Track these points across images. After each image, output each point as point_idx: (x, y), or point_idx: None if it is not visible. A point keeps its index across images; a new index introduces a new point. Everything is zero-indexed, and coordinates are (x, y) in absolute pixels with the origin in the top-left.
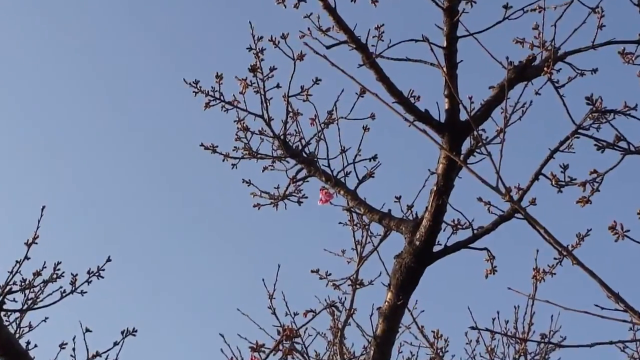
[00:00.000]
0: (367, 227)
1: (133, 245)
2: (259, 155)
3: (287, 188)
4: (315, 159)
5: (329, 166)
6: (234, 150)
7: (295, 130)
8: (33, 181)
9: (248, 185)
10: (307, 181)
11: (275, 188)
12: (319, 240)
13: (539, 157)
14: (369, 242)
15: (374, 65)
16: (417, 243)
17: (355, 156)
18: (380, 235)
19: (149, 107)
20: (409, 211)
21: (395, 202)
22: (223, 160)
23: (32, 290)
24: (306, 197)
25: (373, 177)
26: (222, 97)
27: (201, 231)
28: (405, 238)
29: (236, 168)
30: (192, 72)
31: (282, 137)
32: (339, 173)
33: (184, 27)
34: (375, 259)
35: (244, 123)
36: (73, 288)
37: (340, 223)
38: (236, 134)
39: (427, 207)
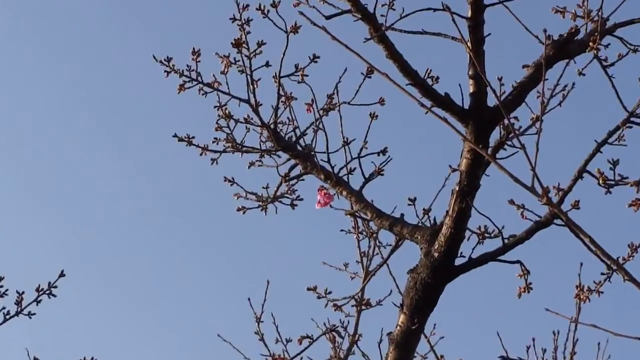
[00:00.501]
0: (375, 235)
1: (91, 257)
2: (244, 149)
3: (278, 188)
4: (313, 153)
5: (329, 162)
6: (214, 142)
7: (288, 118)
8: None
9: (231, 185)
10: (303, 179)
11: (263, 188)
12: (317, 251)
13: (583, 151)
14: (377, 254)
15: (384, 39)
16: (436, 255)
17: (361, 149)
18: (390, 245)
19: (109, 90)
20: (426, 216)
21: (409, 205)
22: (201, 154)
23: None
24: (301, 199)
25: (382, 174)
26: (199, 78)
27: (174, 239)
28: (422, 249)
29: (217, 164)
30: (163, 48)
31: (272, 126)
32: (341, 170)
33: None
34: (384, 274)
35: (226, 109)
36: (19, 309)
37: (342, 231)
38: (217, 123)
39: (447, 212)
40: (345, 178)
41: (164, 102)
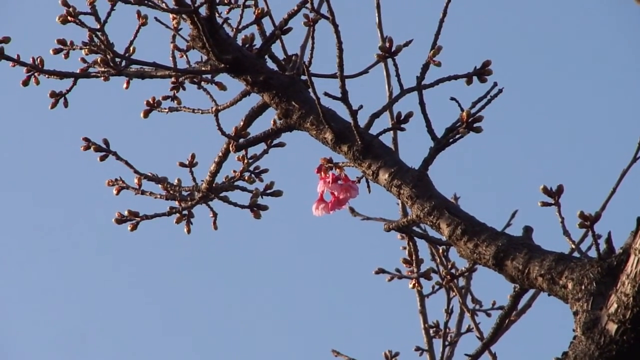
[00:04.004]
0: (459, 281)
1: None
2: (133, 68)
3: (218, 165)
4: (305, 78)
5: (344, 99)
6: (58, 51)
7: None
8: None
9: (103, 158)
10: (280, 144)
11: (183, 166)
12: (321, 317)
13: None
14: (471, 330)
15: None
16: (614, 329)
17: (425, 69)
18: (500, 307)
19: None
20: (588, 233)
21: (544, 206)
22: (26, 84)
23: None
24: (277, 194)
25: (478, 130)
26: None
27: None
28: (577, 313)
29: (66, 105)
30: None
31: (204, 11)
32: (375, 119)
33: None
34: None
35: None
36: None
37: (381, 272)
38: (64, 4)
39: None
40: (386, 140)
41: None
